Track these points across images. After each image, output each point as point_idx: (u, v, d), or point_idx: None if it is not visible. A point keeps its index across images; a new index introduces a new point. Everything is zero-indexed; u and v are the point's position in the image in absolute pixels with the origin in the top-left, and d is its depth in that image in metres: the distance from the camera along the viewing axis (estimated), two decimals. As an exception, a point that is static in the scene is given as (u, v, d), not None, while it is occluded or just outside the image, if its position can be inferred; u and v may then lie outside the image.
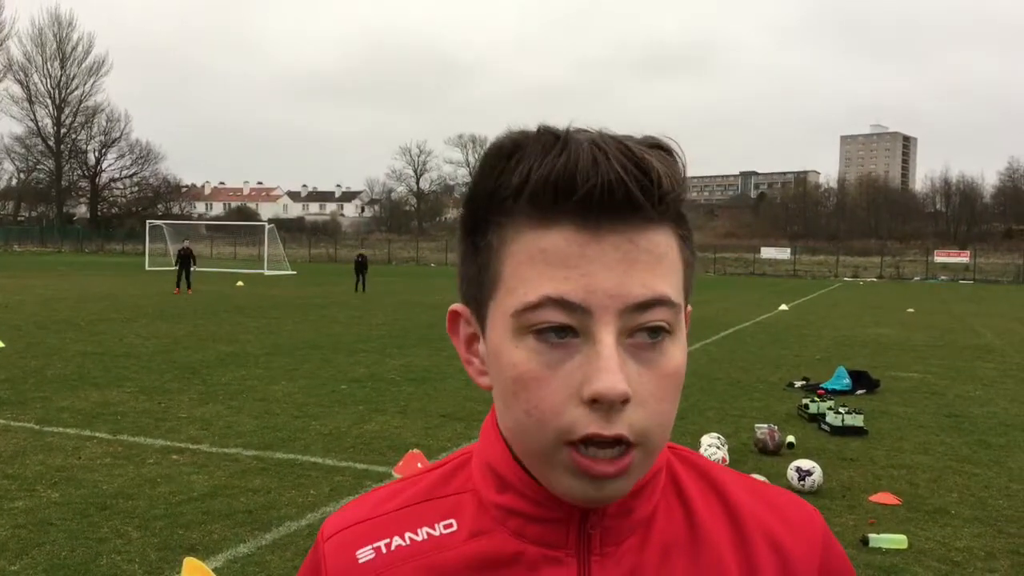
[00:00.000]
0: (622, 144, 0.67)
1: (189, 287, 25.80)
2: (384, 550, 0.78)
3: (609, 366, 0.65)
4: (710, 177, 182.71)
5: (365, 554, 0.79)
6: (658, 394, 0.68)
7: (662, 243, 0.69)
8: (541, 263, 0.67)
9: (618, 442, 0.67)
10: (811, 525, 0.82)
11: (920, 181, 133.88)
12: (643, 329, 0.68)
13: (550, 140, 0.68)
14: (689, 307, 0.78)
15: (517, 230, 0.69)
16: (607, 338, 0.66)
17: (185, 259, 26.30)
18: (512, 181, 0.68)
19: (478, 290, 0.73)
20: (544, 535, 0.75)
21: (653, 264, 0.68)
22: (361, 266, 30.73)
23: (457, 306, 0.77)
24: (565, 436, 0.67)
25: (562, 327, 0.67)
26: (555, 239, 0.67)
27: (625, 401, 0.66)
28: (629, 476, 0.69)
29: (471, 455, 0.83)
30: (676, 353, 0.70)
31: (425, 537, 0.78)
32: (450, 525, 0.78)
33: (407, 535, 0.79)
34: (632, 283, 0.67)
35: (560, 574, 0.74)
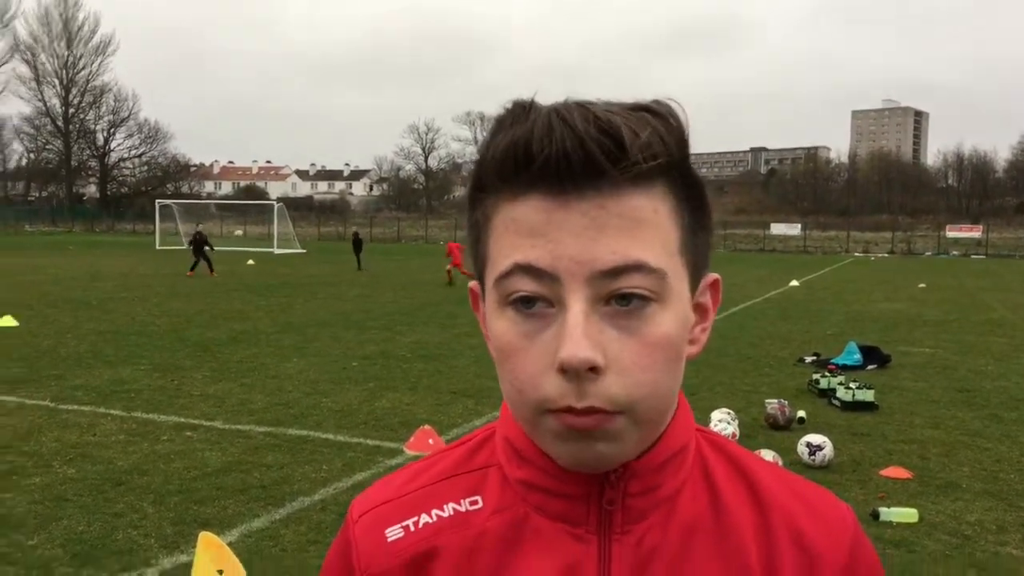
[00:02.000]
0: (586, 109, 0.66)
1: (211, 270, 24.68)
2: (412, 528, 0.79)
3: (573, 334, 0.65)
4: (720, 153, 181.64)
5: (394, 532, 0.79)
6: (642, 362, 0.67)
7: (643, 206, 0.67)
8: (514, 233, 0.68)
9: (592, 413, 0.66)
10: (841, 523, 0.79)
11: (932, 156, 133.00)
12: (616, 296, 0.67)
13: (518, 112, 0.68)
14: (715, 275, 0.77)
15: (495, 204, 0.70)
16: (575, 305, 0.66)
17: (198, 245, 25.36)
18: (487, 158, 0.69)
19: (477, 266, 0.74)
20: (565, 511, 0.75)
21: (628, 229, 0.67)
22: (356, 244, 30.30)
23: (473, 284, 0.78)
24: (545, 405, 0.67)
25: (531, 297, 0.67)
26: (525, 209, 0.68)
27: (594, 369, 0.65)
28: (615, 441, 0.69)
29: (495, 430, 0.83)
30: (664, 320, 0.68)
31: (451, 513, 0.79)
32: (475, 502, 0.79)
33: (434, 512, 0.79)
34: (600, 249, 0.66)
35: (581, 551, 0.74)
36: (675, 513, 0.76)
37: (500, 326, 0.70)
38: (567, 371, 0.65)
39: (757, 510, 0.78)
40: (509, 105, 0.70)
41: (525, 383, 0.68)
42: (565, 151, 0.64)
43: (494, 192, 0.70)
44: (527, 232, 0.67)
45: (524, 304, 0.68)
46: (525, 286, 0.67)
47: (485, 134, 0.72)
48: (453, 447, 0.85)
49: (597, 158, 0.65)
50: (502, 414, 0.81)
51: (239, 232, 26.18)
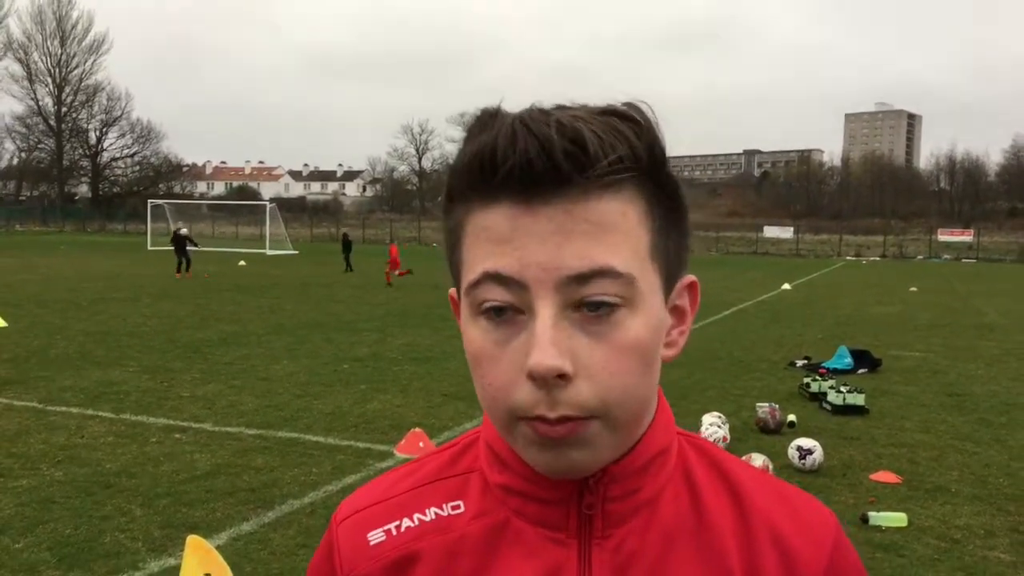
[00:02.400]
0: (549, 115, 0.66)
1: (188, 270, 24.61)
2: (394, 532, 0.79)
3: (541, 341, 0.65)
4: (713, 156, 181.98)
5: (376, 536, 0.80)
6: (611, 367, 0.67)
7: (610, 210, 0.67)
8: (484, 241, 0.68)
9: (565, 421, 0.67)
10: (823, 526, 0.80)
11: (925, 159, 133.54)
12: (586, 302, 0.67)
13: (484, 120, 0.69)
14: (692, 277, 0.77)
15: (467, 211, 0.70)
16: (544, 312, 0.66)
17: (180, 244, 25.02)
18: (457, 166, 0.70)
19: (453, 273, 0.75)
20: (545, 516, 0.75)
21: (594, 234, 0.67)
22: (345, 245, 30.15)
23: (452, 291, 0.78)
24: (517, 413, 0.68)
25: (502, 307, 0.67)
26: (493, 217, 0.68)
27: (563, 376, 0.65)
28: (589, 447, 0.69)
29: (479, 435, 0.83)
30: (634, 325, 0.68)
31: (433, 517, 0.79)
32: (457, 507, 0.79)
33: (416, 516, 0.80)
34: (566, 255, 0.66)
35: (561, 555, 0.75)
36: (656, 517, 0.76)
37: (472, 334, 0.70)
38: (536, 379, 0.66)
39: (738, 513, 0.78)
40: (478, 113, 0.70)
41: (497, 390, 0.68)
42: (528, 159, 0.65)
43: (464, 200, 0.70)
44: (495, 240, 0.68)
45: (495, 312, 0.68)
46: (495, 294, 0.67)
47: (461, 144, 0.72)
48: (438, 452, 0.86)
49: (561, 165, 0.65)
50: (485, 419, 0.81)
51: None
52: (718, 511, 0.78)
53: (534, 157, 0.65)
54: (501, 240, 0.67)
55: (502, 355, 0.68)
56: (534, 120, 0.66)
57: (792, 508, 0.80)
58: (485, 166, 0.67)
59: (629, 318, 0.68)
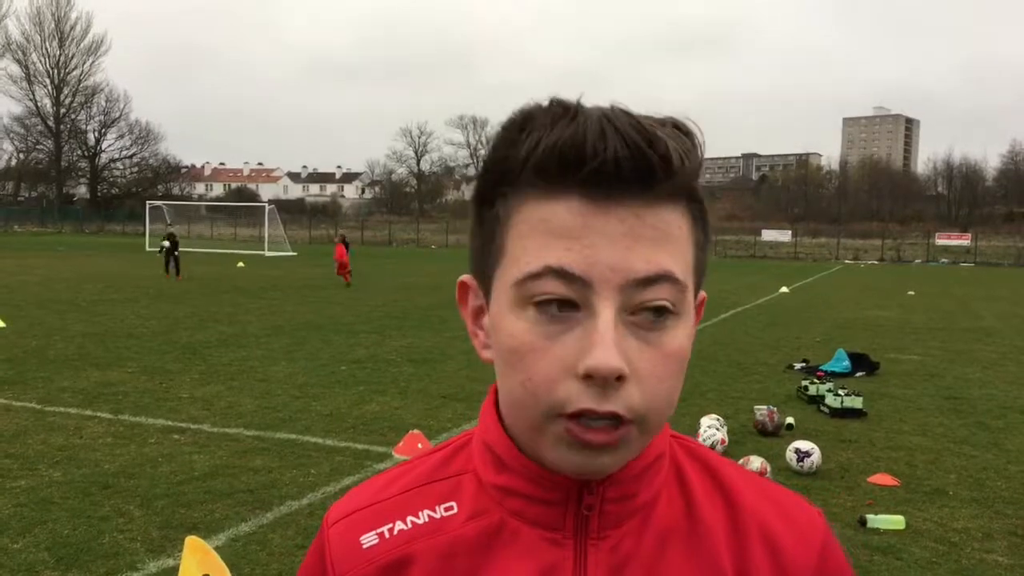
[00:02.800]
0: (633, 119, 0.66)
1: (178, 274, 24.55)
2: (387, 535, 0.79)
3: (604, 341, 0.65)
4: (711, 159, 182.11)
5: (369, 539, 0.79)
6: (659, 373, 0.68)
7: (672, 221, 0.68)
8: (544, 233, 0.67)
9: (612, 418, 0.66)
10: (812, 527, 0.81)
11: (922, 164, 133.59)
12: (646, 308, 0.67)
13: (559, 111, 0.67)
14: (704, 293, 0.78)
15: (522, 201, 0.69)
16: (606, 312, 0.66)
17: (174, 247, 25.12)
18: (520, 152, 0.67)
19: (485, 262, 0.73)
20: (542, 516, 0.75)
21: (660, 241, 0.67)
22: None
23: (466, 277, 0.78)
24: (558, 409, 0.67)
25: (564, 301, 0.67)
26: (559, 210, 0.67)
27: (619, 378, 0.65)
28: (621, 450, 0.69)
29: (471, 437, 0.83)
30: (680, 334, 0.69)
31: (426, 519, 0.79)
32: (450, 508, 0.79)
33: (409, 519, 0.79)
34: (635, 258, 0.66)
35: (558, 556, 0.75)
36: (651, 520, 0.77)
37: (518, 326, 0.69)
38: (594, 378, 0.65)
39: (730, 515, 0.79)
40: (544, 103, 0.69)
41: (538, 385, 0.67)
42: (617, 158, 0.64)
43: (523, 189, 0.69)
44: (559, 234, 0.67)
45: (559, 307, 0.67)
46: (555, 289, 0.67)
47: (504, 128, 0.70)
48: (428, 454, 0.85)
49: (646, 170, 0.65)
50: (481, 420, 0.81)
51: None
52: (710, 512, 0.79)
53: (623, 158, 0.64)
54: (566, 235, 0.66)
55: (550, 349, 0.67)
56: (620, 120, 0.65)
57: (782, 508, 0.81)
58: (569, 158, 0.65)
59: (677, 326, 0.69)
